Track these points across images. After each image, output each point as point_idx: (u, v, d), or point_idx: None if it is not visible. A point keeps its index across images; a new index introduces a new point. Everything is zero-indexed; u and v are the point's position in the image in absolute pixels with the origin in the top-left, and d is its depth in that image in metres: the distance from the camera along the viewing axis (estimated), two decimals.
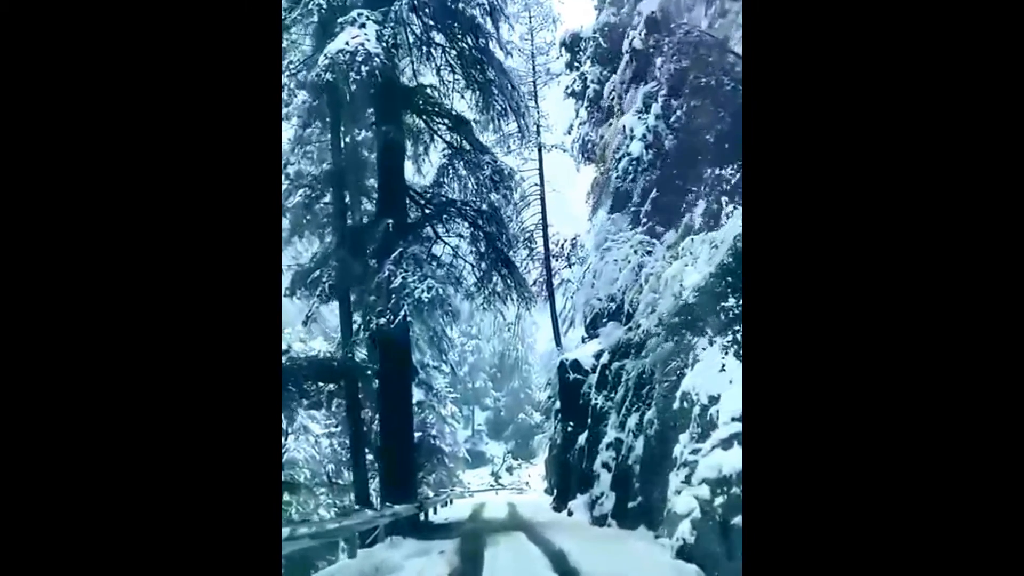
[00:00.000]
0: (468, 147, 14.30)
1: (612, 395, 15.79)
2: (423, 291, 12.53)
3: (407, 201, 14.75)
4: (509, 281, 15.07)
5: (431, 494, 25.56)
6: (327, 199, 17.15)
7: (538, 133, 22.68)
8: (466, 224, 14.80)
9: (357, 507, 11.49)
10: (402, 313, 12.46)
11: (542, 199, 23.50)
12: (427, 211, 14.66)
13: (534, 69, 23.60)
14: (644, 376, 13.15)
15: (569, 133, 25.18)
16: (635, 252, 12.98)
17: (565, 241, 29.13)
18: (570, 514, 17.52)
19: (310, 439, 32.67)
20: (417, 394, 24.26)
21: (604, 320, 23.32)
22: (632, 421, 13.94)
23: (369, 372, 16.49)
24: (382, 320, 12.55)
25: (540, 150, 23.44)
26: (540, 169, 23.57)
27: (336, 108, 16.42)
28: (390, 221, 13.30)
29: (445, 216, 14.67)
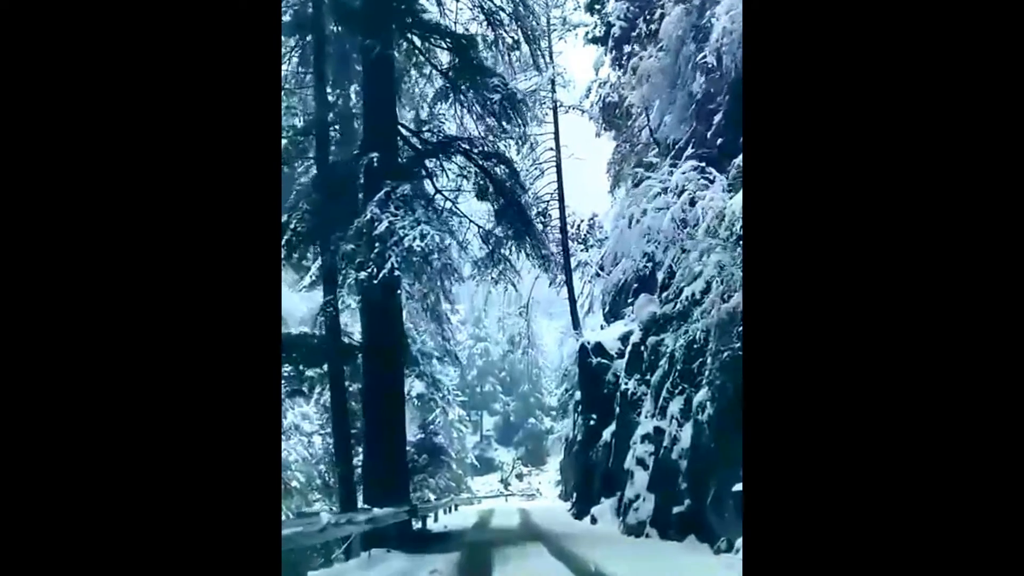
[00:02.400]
0: (472, 69, 11.61)
1: (648, 377, 13.12)
2: (415, 239, 9.90)
3: (398, 141, 12.08)
4: (524, 236, 12.36)
5: (432, 498, 22.87)
6: (311, 154, 14.56)
7: (553, 90, 19.99)
8: (469, 165, 12.10)
9: (313, 510, 8.84)
10: (388, 266, 9.81)
11: (558, 166, 20.81)
12: (421, 148, 11.97)
13: (548, 21, 20.92)
14: (695, 347, 10.47)
15: (588, 96, 22.56)
16: (678, 194, 10.27)
17: (582, 221, 26.52)
18: (594, 521, 14.87)
19: (303, 439, 29.96)
20: (418, 386, 21.62)
21: (629, 300, 20.68)
22: (675, 406, 11.27)
23: (358, 353, 13.85)
24: (363, 274, 9.89)
25: (555, 110, 20.72)
26: (556, 132, 20.88)
27: (320, 45, 13.88)
28: (375, 155, 10.65)
29: (443, 156, 12.00)
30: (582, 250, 25.55)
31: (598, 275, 25.30)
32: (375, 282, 9.84)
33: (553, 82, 19.77)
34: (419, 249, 9.87)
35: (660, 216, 11.16)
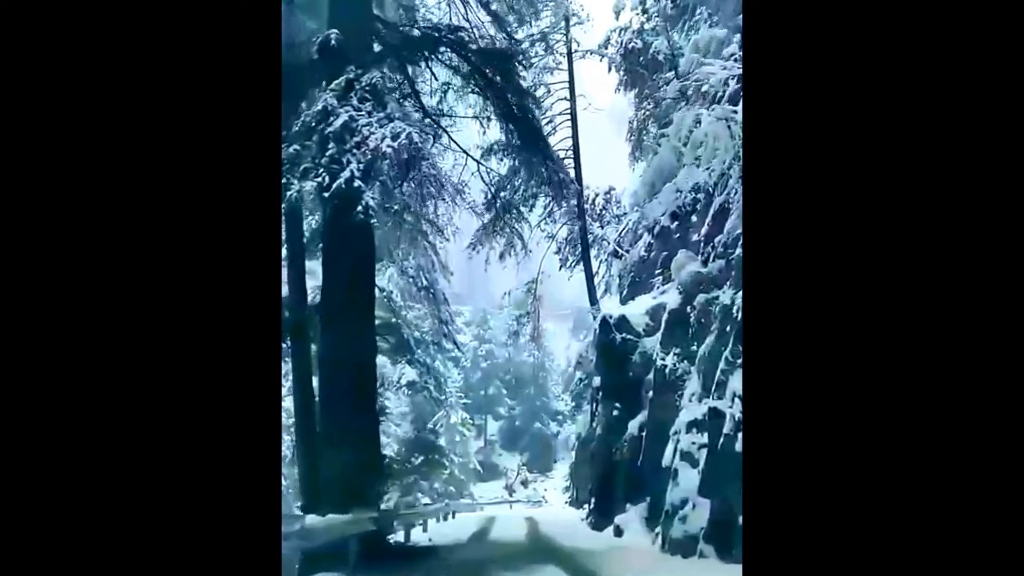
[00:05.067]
0: None
1: (693, 349, 10.23)
2: (384, 138, 7.02)
3: (371, 37, 9.19)
4: (534, 160, 9.47)
5: (427, 502, 19.96)
6: None
7: (567, 29, 17.12)
8: (461, 62, 9.20)
9: None
10: (347, 174, 6.95)
11: (573, 118, 17.94)
12: (399, 44, 9.06)
13: None
14: None
15: (607, 46, 19.65)
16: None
17: (597, 195, 23.58)
18: (619, 533, 11.97)
19: (284, 438, 27.05)
20: (409, 374, 18.76)
21: (657, 271, 17.79)
22: (737, 381, 8.37)
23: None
24: (309, 184, 7.03)
25: (570, 54, 17.83)
26: (571, 80, 18.03)
27: None
28: (334, 32, 7.80)
29: (427, 52, 9.11)
30: (598, 227, 22.68)
31: (616, 254, 22.46)
32: (327, 194, 6.97)
33: (567, 20, 16.90)
34: (390, 152, 6.99)
35: (720, 126, 8.32)
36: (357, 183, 6.95)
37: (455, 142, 10.46)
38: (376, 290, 18.33)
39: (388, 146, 7.00)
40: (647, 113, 20.50)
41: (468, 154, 10.72)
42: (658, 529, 10.08)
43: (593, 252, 21.26)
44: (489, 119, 10.97)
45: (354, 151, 7.05)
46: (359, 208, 6.95)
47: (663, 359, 11.09)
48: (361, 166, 7.02)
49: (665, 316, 11.67)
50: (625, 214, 22.96)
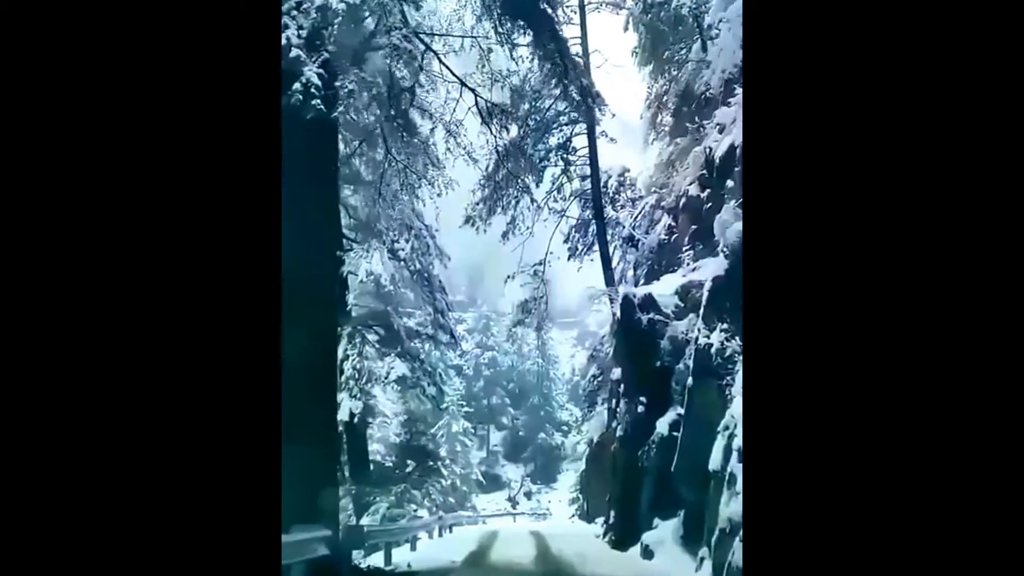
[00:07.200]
0: None
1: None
2: None
3: None
4: (547, 42, 7.31)
5: (424, 515, 17.70)
6: None
7: None
8: None
9: None
10: (283, 39, 4.78)
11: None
12: None
13: None
14: None
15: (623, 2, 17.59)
16: None
17: (610, 177, 21.44)
18: (648, 555, 9.80)
19: None
20: (400, 368, 16.56)
21: (685, 247, 15.67)
22: None
23: None
24: None
25: (583, 7, 15.77)
26: (583, 35, 15.94)
27: None
28: None
29: None
30: (611, 210, 20.54)
31: (631, 239, 20.34)
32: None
33: None
34: (342, 11, 4.83)
35: None
36: (295, 52, 4.82)
37: (446, 65, 8.29)
38: (364, 274, 16.26)
39: (340, 5, 4.84)
40: (669, 80, 18.37)
41: (463, 83, 8.55)
42: (702, 551, 7.91)
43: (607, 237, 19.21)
44: (490, 49, 8.83)
45: (293, 13, 4.92)
46: (297, 86, 4.82)
47: (707, 337, 8.88)
48: (303, 32, 4.88)
49: (708, 285, 9.46)
50: (641, 197, 20.90)
